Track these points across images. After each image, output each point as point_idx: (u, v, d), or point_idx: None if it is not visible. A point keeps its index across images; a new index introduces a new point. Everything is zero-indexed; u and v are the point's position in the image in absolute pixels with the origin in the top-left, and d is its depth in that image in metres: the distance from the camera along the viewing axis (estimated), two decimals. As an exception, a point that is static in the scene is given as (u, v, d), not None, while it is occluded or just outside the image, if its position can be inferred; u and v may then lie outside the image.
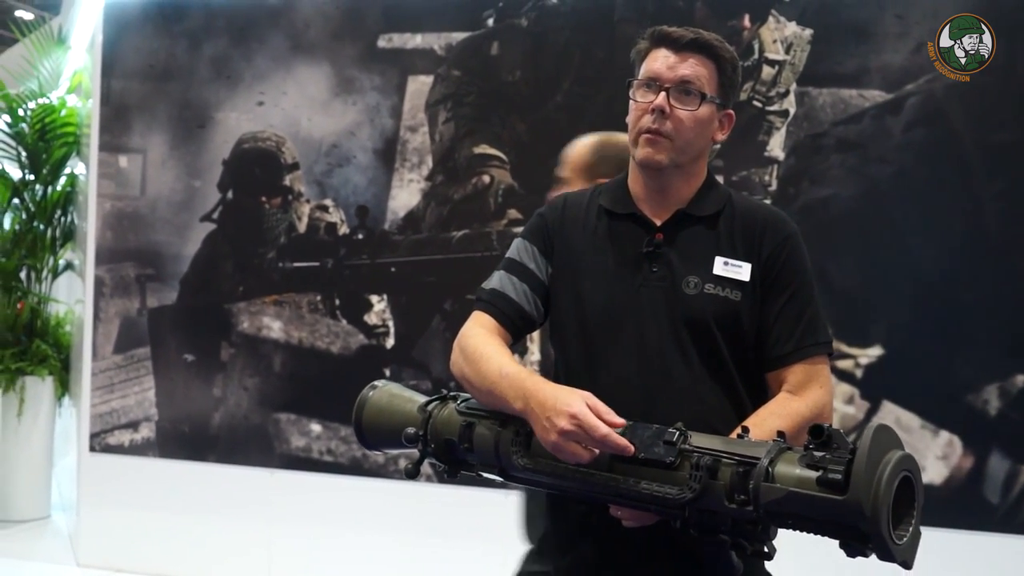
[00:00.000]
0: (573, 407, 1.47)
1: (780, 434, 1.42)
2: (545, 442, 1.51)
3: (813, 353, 1.68)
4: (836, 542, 1.33)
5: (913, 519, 1.33)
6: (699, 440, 1.44)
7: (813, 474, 1.30)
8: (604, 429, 1.45)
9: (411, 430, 1.64)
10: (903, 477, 1.29)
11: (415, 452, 1.69)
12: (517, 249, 1.83)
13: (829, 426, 1.32)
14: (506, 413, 1.60)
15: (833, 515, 1.28)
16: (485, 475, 1.65)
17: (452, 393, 1.71)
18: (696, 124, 1.70)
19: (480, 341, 1.72)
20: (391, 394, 1.77)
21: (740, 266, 1.69)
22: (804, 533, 1.36)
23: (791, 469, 1.34)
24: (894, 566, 1.31)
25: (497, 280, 1.81)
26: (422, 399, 1.71)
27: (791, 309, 1.69)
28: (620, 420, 1.48)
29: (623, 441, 1.44)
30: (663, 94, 1.68)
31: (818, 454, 1.31)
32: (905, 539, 1.30)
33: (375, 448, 1.82)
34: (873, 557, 1.31)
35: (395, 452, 1.84)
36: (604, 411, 1.48)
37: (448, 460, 1.65)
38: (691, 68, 1.69)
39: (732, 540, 1.43)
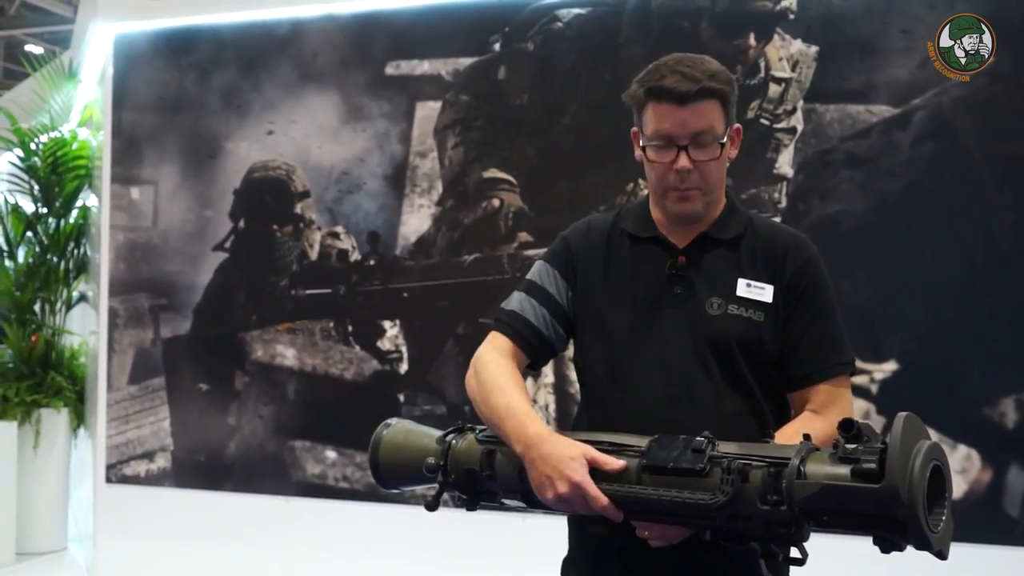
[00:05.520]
0: (576, 475, 1.50)
1: (806, 436, 1.42)
2: (540, 495, 1.55)
3: (836, 373, 1.70)
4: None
5: (945, 509, 1.33)
6: (727, 447, 1.44)
7: (846, 467, 1.30)
8: (604, 501, 1.49)
9: (431, 460, 1.64)
10: (933, 466, 1.29)
11: (434, 487, 1.68)
12: (538, 272, 1.83)
13: (858, 421, 1.33)
14: None
15: (870, 505, 1.28)
16: (507, 503, 1.64)
17: (469, 425, 1.71)
18: (719, 166, 1.70)
19: (495, 370, 1.73)
20: (407, 431, 1.76)
21: (763, 288, 1.70)
22: (838, 532, 1.36)
23: (822, 467, 1.34)
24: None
25: (516, 302, 1.81)
26: (438, 433, 1.71)
27: (814, 330, 1.70)
28: (621, 464, 1.50)
29: (617, 512, 1.49)
30: (683, 153, 1.65)
31: (850, 447, 1.31)
32: (940, 528, 1.30)
33: (393, 487, 1.80)
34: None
35: (414, 489, 1.82)
36: (603, 462, 1.51)
37: (468, 490, 1.65)
38: (701, 118, 1.64)
39: (763, 548, 1.43)
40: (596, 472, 1.50)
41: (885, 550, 1.33)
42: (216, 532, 4.46)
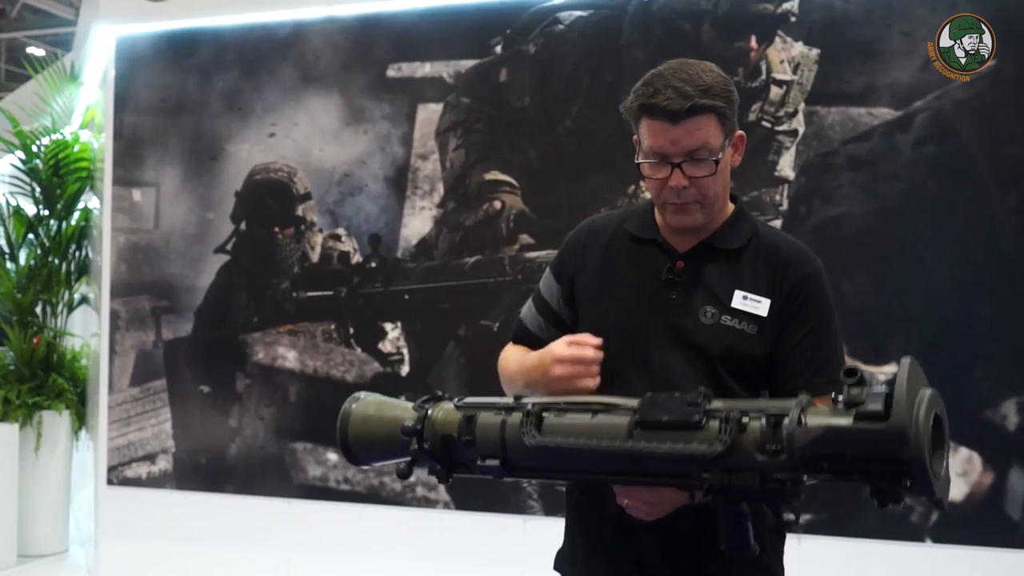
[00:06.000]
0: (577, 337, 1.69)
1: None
2: (549, 373, 1.65)
3: (824, 391, 1.66)
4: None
5: (945, 461, 1.30)
6: (721, 403, 1.41)
7: (848, 415, 1.28)
8: (590, 341, 1.66)
9: (408, 423, 1.59)
10: (935, 414, 1.27)
11: (406, 461, 1.63)
12: (543, 280, 1.91)
13: (862, 369, 1.31)
14: (510, 404, 1.56)
15: (874, 446, 1.25)
16: (484, 473, 1.57)
17: (447, 395, 1.67)
18: (717, 179, 1.68)
19: (507, 355, 1.88)
20: (378, 403, 1.71)
21: (759, 301, 1.69)
22: (839, 481, 1.34)
23: (823, 416, 1.32)
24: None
25: (525, 310, 1.92)
26: (410, 404, 1.66)
27: (807, 346, 1.69)
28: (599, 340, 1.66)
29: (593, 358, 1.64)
30: (677, 171, 1.64)
31: (855, 391, 1.29)
32: (942, 475, 1.28)
33: (363, 462, 1.75)
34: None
35: (384, 463, 1.77)
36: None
37: (444, 459, 1.60)
38: (694, 135, 1.63)
39: (754, 508, 1.40)
40: (587, 430, 1.46)
41: (883, 503, 1.30)
42: (217, 534, 4.46)
